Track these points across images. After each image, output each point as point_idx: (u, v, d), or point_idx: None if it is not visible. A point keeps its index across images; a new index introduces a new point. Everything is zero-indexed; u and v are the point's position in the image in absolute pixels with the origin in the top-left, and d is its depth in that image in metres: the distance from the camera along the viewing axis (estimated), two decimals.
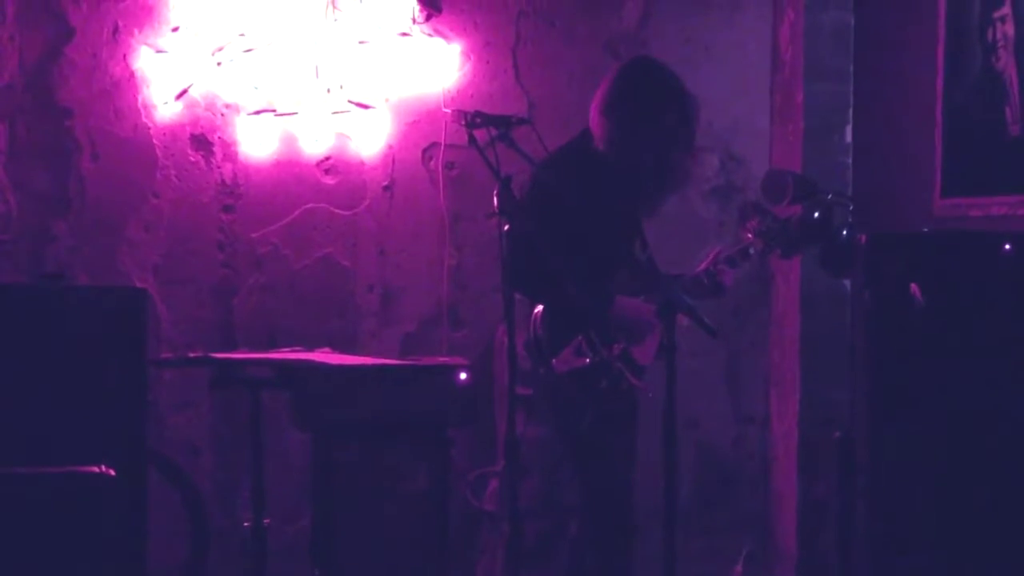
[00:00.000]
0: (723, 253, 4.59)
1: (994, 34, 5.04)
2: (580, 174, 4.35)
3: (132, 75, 5.42)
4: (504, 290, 3.99)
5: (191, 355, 4.80)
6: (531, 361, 4.37)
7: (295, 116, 5.50)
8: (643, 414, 4.56)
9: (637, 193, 4.45)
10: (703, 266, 4.56)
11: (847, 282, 5.56)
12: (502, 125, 4.12)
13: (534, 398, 4.39)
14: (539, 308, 4.35)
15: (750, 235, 4.42)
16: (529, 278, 4.21)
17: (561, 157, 4.37)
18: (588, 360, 4.30)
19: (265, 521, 4.75)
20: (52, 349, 4.05)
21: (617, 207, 4.39)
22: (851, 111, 5.75)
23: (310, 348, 5.03)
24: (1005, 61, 4.98)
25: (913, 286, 4.42)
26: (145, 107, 5.44)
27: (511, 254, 3.95)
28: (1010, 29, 4.97)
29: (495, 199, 3.98)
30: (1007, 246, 4.44)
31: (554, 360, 4.31)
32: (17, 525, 3.97)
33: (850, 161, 5.73)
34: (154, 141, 5.45)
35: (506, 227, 3.97)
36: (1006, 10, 4.98)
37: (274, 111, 5.48)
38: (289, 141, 5.54)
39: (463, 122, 4.12)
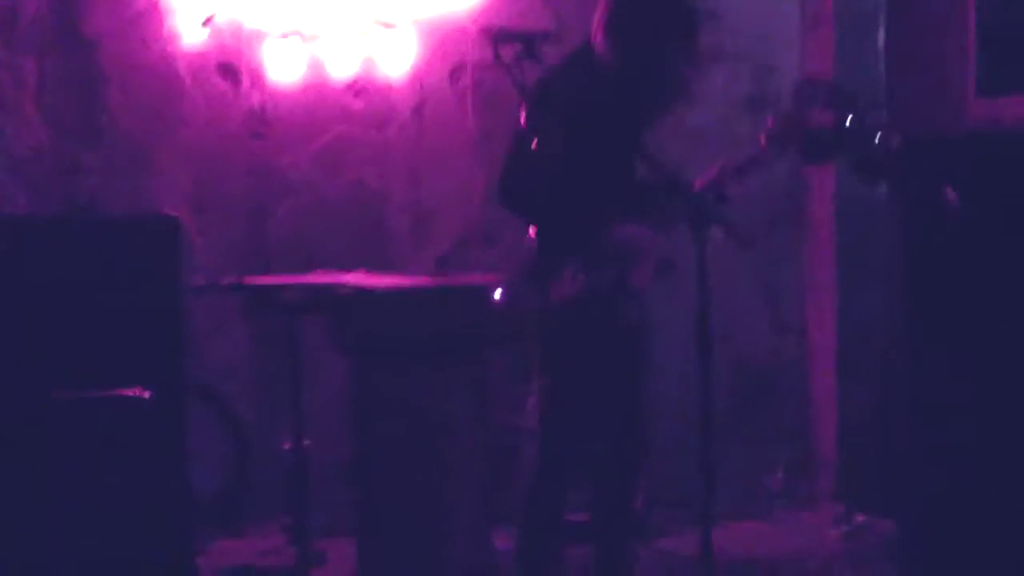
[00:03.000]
0: (729, 164, 4.47)
1: None
2: (578, 88, 4.28)
3: (156, 4, 5.42)
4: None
5: (224, 281, 4.81)
6: (525, 285, 4.33)
7: (321, 39, 5.48)
8: (679, 324, 4.53)
9: (636, 108, 4.38)
10: (708, 177, 4.42)
11: (882, 189, 5.54)
12: (527, 41, 4.07)
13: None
14: (532, 231, 4.32)
15: (763, 141, 4.33)
16: (519, 197, 4.19)
17: (563, 67, 4.31)
18: (581, 285, 4.25)
19: (305, 443, 4.78)
20: (88, 279, 4.09)
21: (615, 123, 4.32)
22: (883, 15, 5.67)
23: (345, 271, 5.03)
24: None
25: (948, 190, 4.38)
26: (171, 36, 5.43)
27: (504, 172, 3.93)
28: None
29: (522, 116, 3.95)
30: None
31: (548, 285, 4.27)
32: (62, 447, 4.04)
33: (883, 66, 5.66)
34: (181, 70, 5.45)
35: (534, 143, 3.93)
36: None
37: (300, 35, 5.46)
38: (316, 65, 5.52)
39: (489, 39, 4.07)
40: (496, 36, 4.07)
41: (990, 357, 4.41)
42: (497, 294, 4.85)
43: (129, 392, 3.88)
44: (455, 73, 5.62)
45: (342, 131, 5.58)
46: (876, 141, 4.56)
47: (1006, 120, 5.01)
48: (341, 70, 5.53)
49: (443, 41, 5.60)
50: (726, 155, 4.26)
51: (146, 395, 3.85)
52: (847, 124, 4.52)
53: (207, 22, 5.43)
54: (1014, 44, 5.00)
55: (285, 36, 5.46)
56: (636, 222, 4.22)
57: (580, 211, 4.14)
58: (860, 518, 5.51)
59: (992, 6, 5.11)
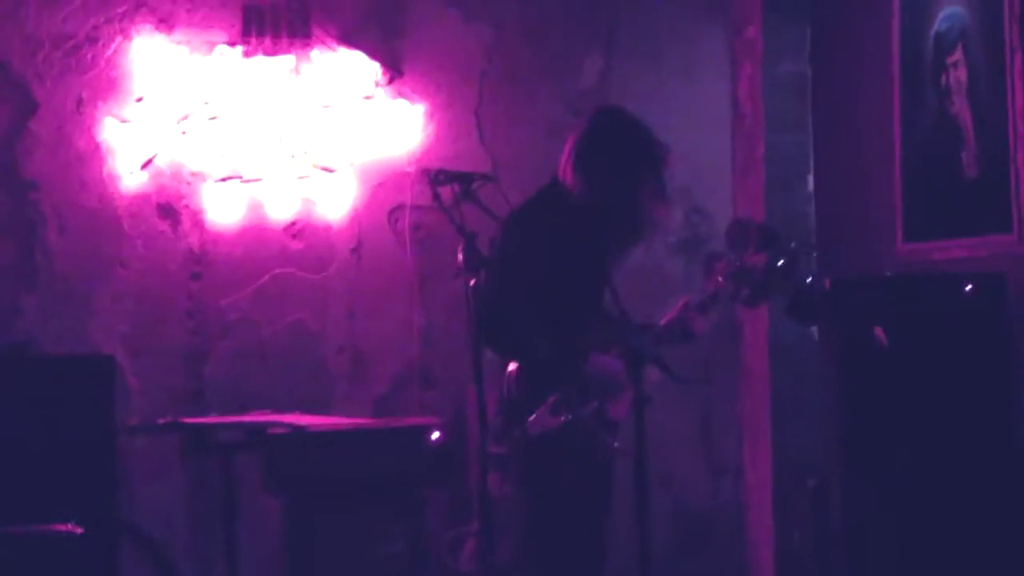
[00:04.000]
0: (693, 300, 4.57)
1: (947, 79, 5.11)
2: (550, 223, 4.35)
3: (97, 146, 5.45)
4: (473, 348, 3.99)
5: (160, 421, 4.78)
6: (504, 420, 4.34)
7: (261, 182, 5.53)
8: (617, 466, 4.56)
9: (607, 242, 4.45)
10: (672, 315, 4.52)
11: (814, 329, 5.63)
12: (466, 181, 4.13)
13: (509, 457, 4.36)
14: (512, 366, 4.34)
15: (720, 278, 4.41)
16: (500, 334, 4.20)
17: (530, 207, 4.38)
18: (563, 419, 4.27)
19: None
20: (23, 416, 4.06)
21: (587, 256, 4.39)
22: (811, 160, 5.82)
23: (282, 412, 5.02)
24: (959, 106, 5.05)
25: (877, 329, 4.47)
26: (111, 178, 5.46)
27: (480, 311, 3.95)
28: (963, 74, 5.04)
29: (460, 256, 3.99)
30: (968, 287, 4.51)
31: (528, 420, 4.28)
32: None
33: (812, 209, 5.79)
34: (120, 212, 5.47)
35: (471, 283, 3.97)
36: (958, 56, 5.06)
37: (240, 178, 5.51)
38: (256, 207, 5.56)
39: (428, 180, 4.13)
40: (435, 177, 4.13)
41: (919, 491, 4.46)
42: (435, 435, 4.86)
43: (61, 528, 3.82)
44: (393, 214, 5.69)
45: (281, 272, 5.60)
46: (808, 282, 4.66)
47: (933, 261, 5.12)
48: (280, 212, 5.58)
49: (382, 183, 5.68)
50: (678, 296, 4.36)
51: (79, 531, 3.80)
52: (779, 264, 4.60)
53: (147, 164, 5.46)
54: (938, 190, 5.14)
55: (225, 179, 5.51)
56: (609, 354, 4.26)
57: (556, 345, 4.16)
58: None
59: (917, 153, 5.26)
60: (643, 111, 5.61)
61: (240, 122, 5.50)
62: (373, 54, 5.67)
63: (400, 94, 5.69)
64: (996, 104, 4.82)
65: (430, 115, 5.73)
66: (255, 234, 5.57)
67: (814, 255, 4.85)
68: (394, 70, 5.69)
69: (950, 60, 5.09)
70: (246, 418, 4.87)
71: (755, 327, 5.83)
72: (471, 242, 3.99)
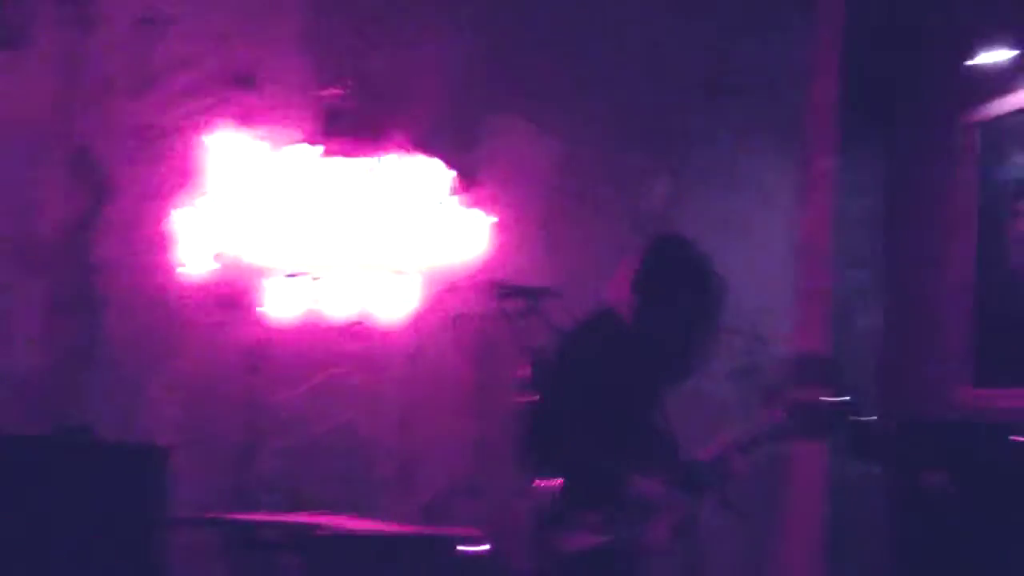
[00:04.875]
0: (737, 440, 4.47)
1: (1021, 227, 5.07)
2: (604, 346, 4.33)
3: (163, 234, 5.48)
4: (526, 462, 3.94)
5: (207, 515, 4.74)
6: (544, 536, 4.27)
7: (324, 280, 5.53)
8: None
9: (658, 369, 4.41)
10: (713, 451, 4.42)
11: (874, 468, 5.52)
12: (532, 296, 4.12)
13: (548, 573, 4.28)
14: (556, 482, 4.28)
15: (782, 412, 4.33)
16: (551, 450, 4.15)
17: (586, 328, 4.35)
18: (603, 540, 4.20)
19: None
20: (75, 500, 4.03)
21: (640, 381, 4.35)
22: (876, 297, 5.76)
23: (328, 513, 4.97)
24: None
25: (939, 473, 4.38)
26: (174, 266, 5.47)
27: (534, 425, 3.91)
28: None
29: (523, 370, 3.96)
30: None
31: (568, 537, 4.21)
32: None
33: (873, 347, 5.72)
34: (183, 301, 5.48)
35: (532, 399, 3.93)
36: None
37: (303, 274, 5.51)
38: (316, 305, 5.56)
39: (495, 292, 4.12)
40: (501, 290, 4.12)
41: None
42: (480, 547, 4.78)
43: None
44: (455, 322, 5.67)
45: (336, 372, 5.58)
46: (873, 421, 4.59)
47: (999, 409, 5.03)
48: (340, 311, 5.57)
49: (446, 290, 5.67)
50: (727, 427, 4.27)
51: None
52: (839, 401, 4.54)
53: (213, 256, 5.48)
54: (1012, 339, 5.07)
55: (289, 275, 5.51)
56: (655, 479, 4.19)
57: (601, 464, 4.11)
58: None
59: (990, 299, 5.20)
60: (709, 235, 5.69)
61: (308, 218, 5.52)
62: (447, 162, 5.69)
63: (471, 203, 5.70)
64: None
65: (499, 226, 5.72)
66: (314, 332, 5.56)
67: (872, 394, 4.77)
68: (467, 178, 5.71)
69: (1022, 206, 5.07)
70: (291, 518, 4.82)
71: (810, 462, 5.72)
72: (537, 358, 3.96)
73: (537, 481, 4.17)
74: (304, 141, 5.58)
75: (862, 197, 5.81)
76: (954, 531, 4.36)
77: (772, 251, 5.96)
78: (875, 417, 4.61)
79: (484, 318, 5.52)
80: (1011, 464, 4.37)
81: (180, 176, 5.52)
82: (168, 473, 4.37)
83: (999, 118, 5.20)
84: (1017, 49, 5.14)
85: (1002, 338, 5.10)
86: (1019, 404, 4.92)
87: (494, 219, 5.72)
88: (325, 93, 5.64)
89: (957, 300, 5.33)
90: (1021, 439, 4.35)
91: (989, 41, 5.24)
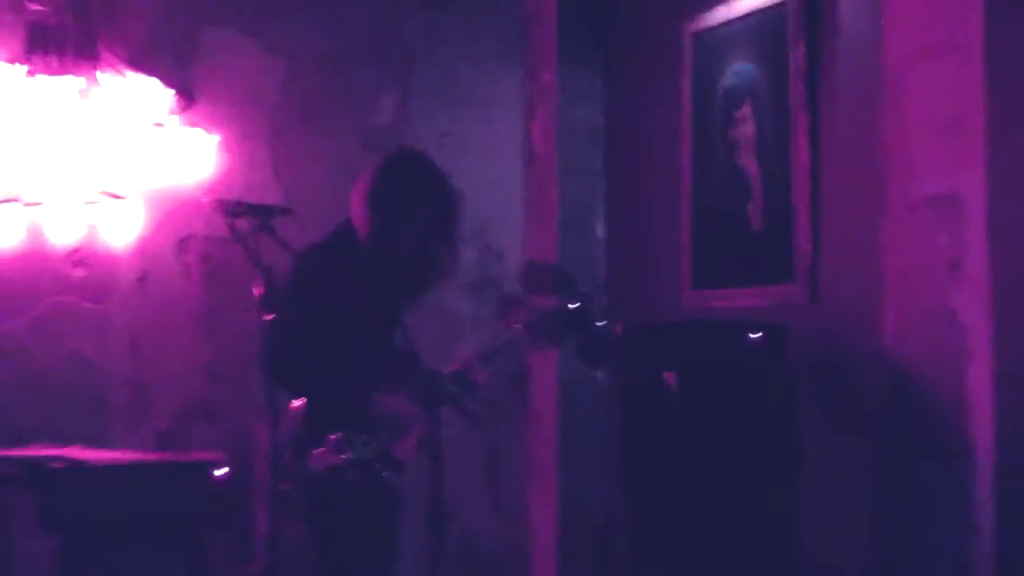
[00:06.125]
0: (477, 352, 4.55)
1: (735, 133, 5.27)
2: (341, 264, 4.32)
3: None
4: (265, 382, 3.91)
5: None
6: (288, 457, 4.27)
7: (42, 206, 5.33)
8: (407, 503, 4.53)
9: (398, 285, 4.43)
10: (456, 365, 4.49)
11: (601, 373, 5.70)
12: (264, 214, 4.05)
13: (293, 494, 4.29)
14: (297, 402, 4.27)
15: (518, 325, 4.42)
16: (288, 371, 4.13)
17: (322, 247, 4.33)
18: (345, 457, 4.22)
19: None
20: None
21: (378, 298, 4.37)
22: (603, 206, 5.92)
23: (61, 445, 4.83)
24: (746, 159, 5.21)
25: (667, 374, 4.55)
26: None
27: (270, 346, 3.88)
28: (750, 129, 5.20)
29: (257, 290, 3.91)
30: (757, 335, 4.63)
31: (312, 456, 4.22)
32: None
33: (602, 254, 5.89)
34: None
35: (267, 318, 3.89)
36: (746, 111, 5.21)
37: (20, 200, 5.30)
38: (36, 232, 5.36)
39: (224, 211, 4.04)
40: (231, 209, 4.04)
41: (701, 537, 4.54)
42: (220, 471, 4.75)
43: None
44: (182, 244, 5.56)
45: (61, 300, 5.40)
46: (599, 326, 4.72)
47: (717, 309, 5.25)
48: (63, 237, 5.39)
49: (172, 212, 5.55)
50: (465, 340, 4.35)
51: None
52: (572, 308, 4.65)
53: None
54: (725, 240, 5.28)
55: (3, 201, 5.29)
56: (398, 395, 4.21)
57: (342, 383, 4.11)
58: None
59: (705, 204, 5.39)
60: (438, 150, 5.74)
61: (22, 143, 5.29)
62: (166, 80, 5.53)
63: (193, 123, 5.57)
64: (781, 159, 4.99)
65: (224, 145, 5.62)
66: (35, 260, 5.36)
67: (605, 300, 4.90)
68: (187, 97, 5.57)
69: (738, 114, 5.25)
70: (23, 452, 4.67)
71: (543, 369, 5.88)
72: (269, 276, 3.91)
73: (289, 404, 4.16)
74: (8, 60, 5.33)
75: (585, 107, 5.93)
76: (682, 430, 4.54)
77: (499, 163, 6.05)
78: (603, 323, 4.72)
79: (212, 239, 5.44)
80: (738, 361, 4.58)
81: None
82: None
83: (714, 27, 5.37)
84: None
85: (719, 243, 5.32)
86: (737, 304, 5.16)
87: (217, 138, 5.61)
88: (29, 8, 5.39)
89: (675, 207, 5.51)
90: (755, 337, 4.56)
91: None
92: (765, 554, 4.51)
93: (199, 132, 5.56)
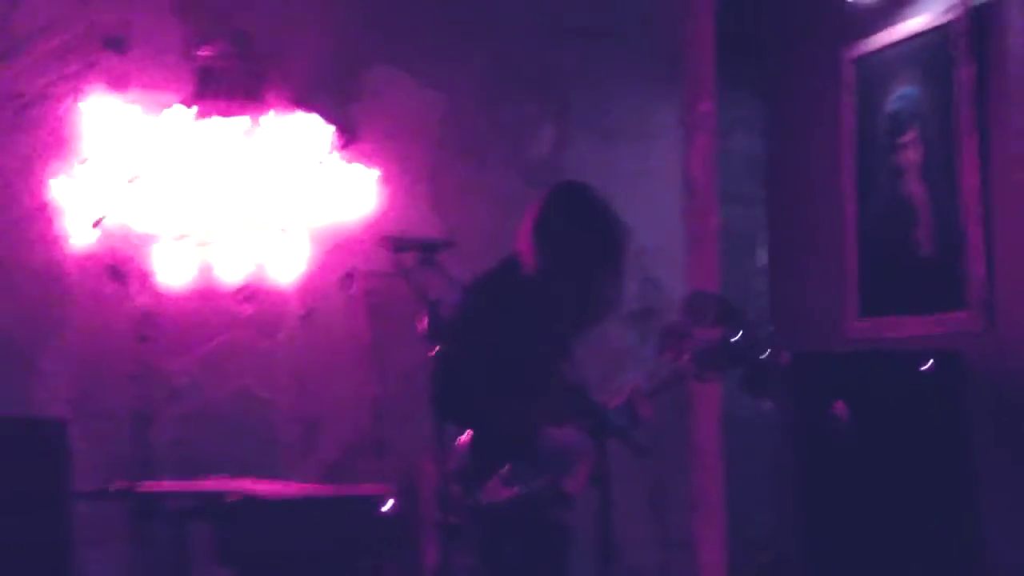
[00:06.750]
0: (641, 386, 4.50)
1: (901, 159, 5.18)
2: (508, 298, 4.32)
3: (45, 205, 5.35)
4: (433, 416, 3.93)
5: (113, 487, 4.66)
6: (459, 490, 4.28)
7: (212, 244, 5.45)
8: (574, 540, 4.51)
9: (565, 318, 4.42)
10: (620, 399, 4.45)
11: (767, 403, 5.63)
12: (427, 248, 4.08)
13: (462, 528, 4.29)
14: (465, 436, 4.29)
15: (686, 356, 4.37)
16: (456, 404, 4.14)
17: (489, 280, 4.34)
18: (515, 490, 4.21)
19: None
20: None
21: (545, 331, 4.36)
22: (765, 235, 5.86)
23: (234, 478, 4.92)
24: (913, 185, 5.12)
25: (839, 404, 4.48)
26: (59, 237, 5.35)
27: (438, 380, 3.89)
28: (916, 154, 5.10)
29: (422, 324, 3.93)
30: (928, 363, 4.54)
31: (481, 490, 4.23)
32: None
33: (765, 283, 5.82)
34: (68, 272, 5.36)
35: (433, 352, 3.91)
36: (911, 136, 5.12)
37: (191, 239, 5.43)
38: (206, 269, 5.48)
39: (389, 246, 4.08)
40: (396, 244, 4.08)
41: (879, 566, 4.45)
42: (387, 504, 4.78)
43: None
44: (345, 280, 5.63)
45: (230, 337, 5.51)
46: (765, 356, 4.65)
47: (886, 338, 5.15)
48: (231, 275, 5.50)
49: (335, 248, 5.62)
50: (628, 372, 4.31)
51: None
52: (737, 338, 4.59)
53: (97, 224, 5.37)
54: (893, 268, 5.18)
55: (176, 240, 5.42)
56: (567, 427, 4.20)
57: (510, 416, 4.12)
58: None
59: (871, 231, 5.30)
60: (597, 181, 5.72)
61: (192, 183, 5.42)
62: (328, 118, 5.63)
63: (355, 159, 5.65)
64: (949, 183, 4.89)
65: (384, 181, 5.69)
66: (205, 297, 5.48)
67: (771, 329, 4.84)
68: (349, 134, 5.65)
69: (903, 140, 5.17)
70: (200, 485, 4.76)
71: (707, 399, 5.82)
72: (434, 310, 3.93)
73: (457, 437, 4.18)
74: (179, 103, 5.47)
75: (744, 135, 5.87)
76: (856, 460, 4.46)
77: (657, 193, 6.00)
78: (767, 353, 4.65)
79: (375, 274, 5.50)
80: (910, 391, 4.48)
81: (54, 144, 5.38)
82: (66, 446, 4.27)
83: (875, 52, 5.29)
84: None
85: (886, 270, 5.22)
86: (906, 332, 5.05)
87: (378, 173, 5.68)
88: (198, 53, 5.54)
89: (839, 234, 5.43)
90: (927, 366, 4.46)
91: None
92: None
93: (360, 168, 5.64)
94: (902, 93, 5.15)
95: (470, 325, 4.23)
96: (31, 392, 5.24)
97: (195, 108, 5.47)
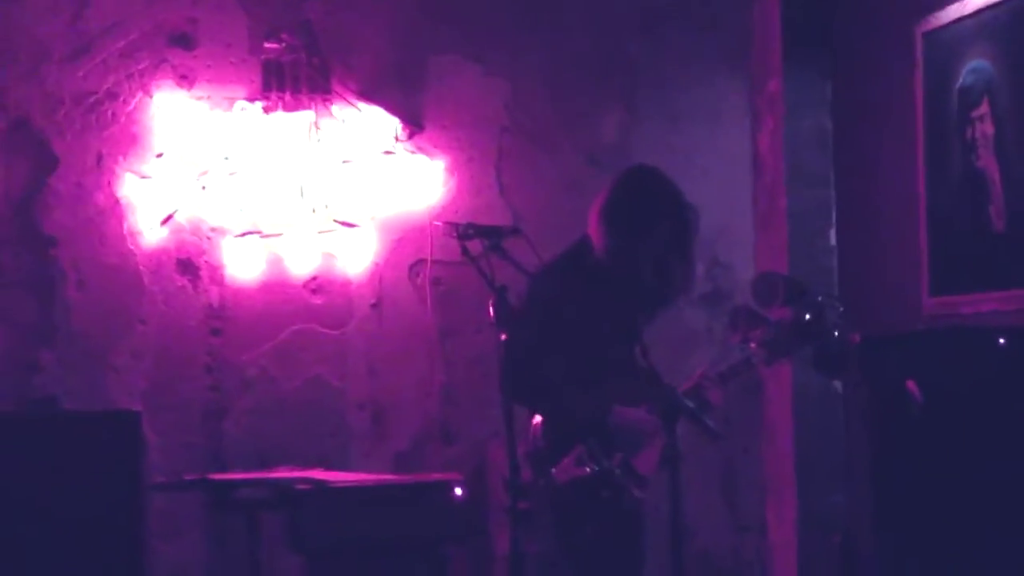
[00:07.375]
0: (711, 370, 4.48)
1: (973, 133, 5.09)
2: (578, 282, 4.32)
3: (117, 202, 5.43)
4: (503, 401, 3.94)
5: (187, 477, 4.72)
6: (531, 472, 4.28)
7: (281, 237, 5.50)
8: (646, 523, 4.50)
9: (635, 301, 4.41)
10: (689, 384, 4.42)
11: (838, 383, 5.58)
12: (494, 236, 4.09)
13: (533, 511, 4.30)
14: (538, 418, 4.29)
15: (754, 344, 4.34)
16: (528, 388, 4.15)
17: (558, 265, 4.34)
18: (589, 470, 4.21)
19: None
20: (47, 473, 3.99)
21: (616, 314, 4.35)
22: (834, 214, 5.79)
23: (305, 468, 4.97)
24: (985, 160, 5.02)
25: (911, 384, 4.41)
26: (131, 233, 5.44)
27: (509, 364, 3.90)
28: (989, 128, 5.01)
29: (491, 310, 3.94)
30: (1001, 340, 4.45)
31: (554, 470, 4.23)
32: None
33: (835, 263, 5.76)
34: (140, 267, 5.44)
35: (503, 338, 3.92)
36: (984, 109, 5.03)
37: (260, 233, 5.48)
38: (275, 262, 5.53)
39: (455, 234, 4.09)
40: (463, 231, 4.09)
41: (952, 548, 4.38)
42: (458, 491, 4.80)
43: None
44: (414, 269, 5.66)
45: (301, 328, 5.56)
46: (835, 336, 4.60)
47: (960, 315, 5.07)
48: (301, 267, 5.55)
49: (402, 238, 5.66)
50: (699, 355, 4.29)
51: None
52: (807, 318, 4.55)
53: (167, 220, 5.44)
54: (965, 244, 5.10)
55: (245, 234, 5.48)
56: (639, 408, 4.20)
57: (580, 399, 4.13)
58: None
59: (942, 207, 5.22)
60: (665, 164, 5.68)
61: (260, 177, 5.49)
62: (393, 109, 5.66)
63: (420, 149, 5.68)
64: (1022, 158, 4.80)
65: (450, 170, 5.71)
66: (275, 289, 5.54)
67: (840, 308, 4.78)
68: (414, 125, 5.68)
69: (975, 114, 5.07)
70: (272, 475, 4.81)
71: (777, 380, 5.78)
72: (503, 296, 3.94)
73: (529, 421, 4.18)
74: (246, 98, 5.53)
75: (812, 114, 5.81)
76: (930, 440, 4.39)
77: (725, 175, 5.97)
78: (838, 332, 4.61)
79: (443, 263, 5.52)
80: (985, 368, 4.41)
81: (124, 142, 5.46)
82: (140, 439, 4.33)
83: (946, 26, 5.21)
84: None
85: (959, 246, 5.14)
86: (979, 309, 4.97)
87: (443, 163, 5.69)
88: (265, 47, 5.58)
89: (911, 211, 5.36)
90: (1003, 343, 4.38)
91: None
92: (1019, 561, 4.32)
93: (425, 158, 5.66)
94: (974, 67, 5.06)
95: (541, 310, 4.23)
96: (106, 386, 5.33)
97: (261, 103, 5.52)
